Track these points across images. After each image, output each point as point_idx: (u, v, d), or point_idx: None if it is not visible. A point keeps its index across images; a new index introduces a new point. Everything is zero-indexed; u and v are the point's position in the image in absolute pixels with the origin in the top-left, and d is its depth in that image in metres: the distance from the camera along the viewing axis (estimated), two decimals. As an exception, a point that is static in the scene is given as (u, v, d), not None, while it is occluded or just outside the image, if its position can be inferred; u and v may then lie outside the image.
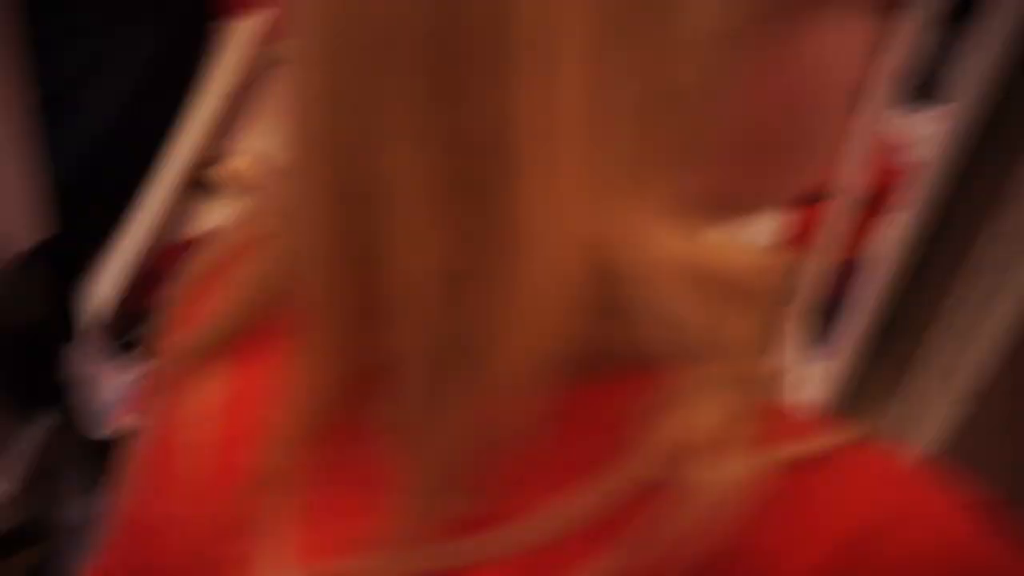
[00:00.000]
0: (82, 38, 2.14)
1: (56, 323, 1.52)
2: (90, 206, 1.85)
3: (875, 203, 1.07)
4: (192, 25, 2.58)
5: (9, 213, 1.47)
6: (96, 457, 1.45)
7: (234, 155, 2.44)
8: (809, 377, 1.08)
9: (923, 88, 1.26)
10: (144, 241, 1.95)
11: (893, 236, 0.99)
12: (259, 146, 2.56)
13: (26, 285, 1.42)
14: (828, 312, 1.09)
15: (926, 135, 1.17)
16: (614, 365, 0.36)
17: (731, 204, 0.39)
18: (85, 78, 2.12)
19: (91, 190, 1.87)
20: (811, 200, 0.72)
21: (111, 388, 1.41)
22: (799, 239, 1.15)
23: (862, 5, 0.37)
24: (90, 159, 1.92)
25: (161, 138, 2.25)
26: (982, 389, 0.90)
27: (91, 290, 1.57)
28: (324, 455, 0.42)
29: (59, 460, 1.58)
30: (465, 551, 0.36)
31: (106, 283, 1.75)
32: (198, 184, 2.35)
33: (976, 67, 0.86)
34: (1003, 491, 0.42)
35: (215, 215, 2.32)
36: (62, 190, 1.62)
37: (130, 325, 1.73)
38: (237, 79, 2.51)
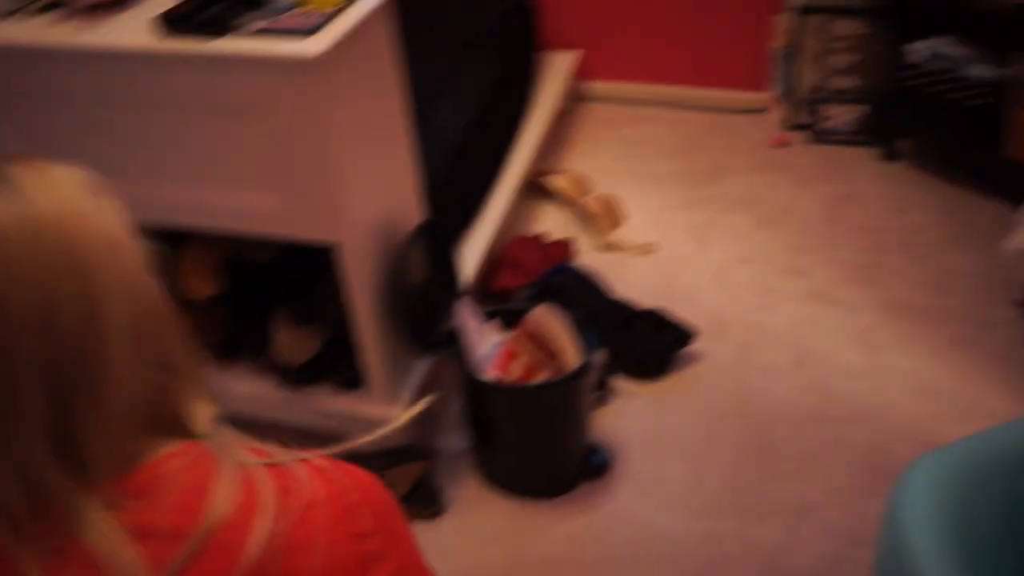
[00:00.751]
0: (441, 57, 2.44)
1: (441, 285, 1.87)
2: (452, 200, 2.16)
3: None
4: (525, 53, 2.91)
5: (403, 200, 1.82)
6: (470, 397, 1.84)
7: (556, 171, 2.81)
8: None
9: None
10: (493, 232, 2.30)
11: None
12: (572, 166, 2.91)
13: (417, 254, 1.78)
14: None
15: None
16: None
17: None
18: (443, 91, 2.41)
19: (452, 187, 2.18)
20: None
21: (480, 344, 1.80)
22: None
23: None
24: (451, 162, 2.21)
25: (502, 148, 2.56)
26: None
27: (458, 267, 1.94)
28: None
29: (442, 394, 1.99)
30: None
31: (467, 263, 2.15)
32: (532, 189, 2.73)
33: None
34: None
35: (546, 217, 2.70)
36: (431, 185, 1.95)
37: (483, 300, 2.10)
38: (557, 104, 2.87)
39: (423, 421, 2.01)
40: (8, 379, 0.66)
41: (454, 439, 2.01)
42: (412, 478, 1.82)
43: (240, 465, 0.73)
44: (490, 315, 1.86)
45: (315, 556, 0.71)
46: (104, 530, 0.68)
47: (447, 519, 1.84)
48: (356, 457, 1.84)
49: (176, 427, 0.75)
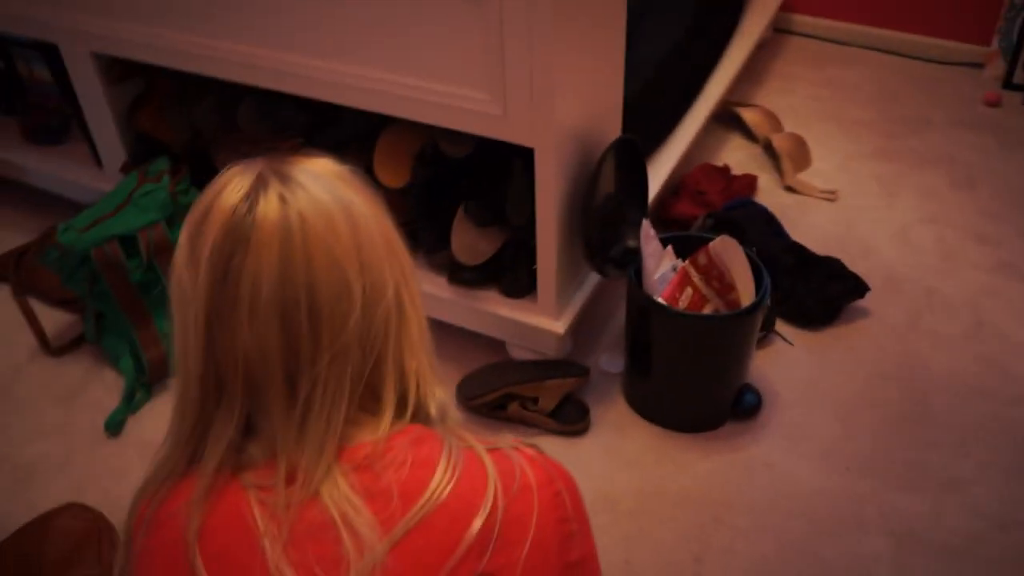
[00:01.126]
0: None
1: (628, 203, 1.88)
2: (646, 120, 2.14)
3: None
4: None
5: (605, 113, 1.81)
6: (637, 320, 1.87)
7: (748, 104, 2.73)
8: None
9: None
10: (678, 157, 2.28)
11: None
12: (765, 100, 2.82)
13: (609, 168, 1.76)
14: None
15: None
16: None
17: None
18: (649, 12, 2.39)
19: (648, 107, 2.16)
20: None
21: (655, 268, 1.81)
22: None
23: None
24: (650, 82, 2.19)
25: (700, 74, 2.51)
26: None
27: (648, 187, 1.93)
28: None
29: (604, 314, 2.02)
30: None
31: (650, 186, 2.15)
32: (722, 119, 2.68)
33: None
34: None
35: (732, 149, 2.64)
36: (629, 103, 1.93)
37: (657, 225, 2.08)
38: (761, 34, 2.78)
39: (582, 338, 2.06)
40: (343, 352, 0.77)
41: (610, 360, 2.05)
42: (562, 393, 1.87)
43: (465, 446, 0.81)
44: (664, 241, 1.87)
45: (526, 532, 0.77)
46: (343, 490, 0.76)
47: (589, 439, 1.89)
48: (510, 366, 1.90)
49: (408, 409, 0.83)
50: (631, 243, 1.87)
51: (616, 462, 1.84)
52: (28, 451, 1.90)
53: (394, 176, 1.84)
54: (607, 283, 2.01)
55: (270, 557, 0.73)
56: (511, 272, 1.86)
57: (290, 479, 0.76)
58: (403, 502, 0.75)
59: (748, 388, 1.92)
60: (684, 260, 1.87)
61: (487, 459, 0.79)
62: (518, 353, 1.95)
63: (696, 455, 1.85)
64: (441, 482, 0.76)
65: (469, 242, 1.82)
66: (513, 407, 1.87)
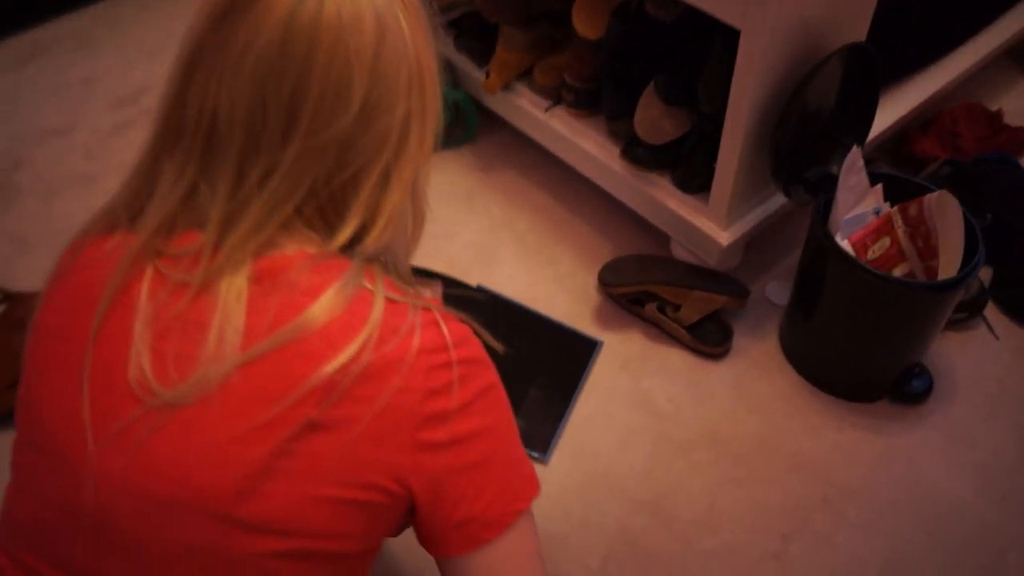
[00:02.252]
0: None
1: (843, 123, 1.62)
2: (904, 33, 1.83)
3: None
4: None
5: (845, 11, 1.53)
6: (812, 259, 1.62)
7: None
8: None
9: None
10: (938, 88, 1.93)
11: None
12: None
13: (832, 76, 1.51)
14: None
15: None
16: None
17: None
18: None
19: (911, 20, 1.86)
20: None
21: (851, 206, 1.55)
22: None
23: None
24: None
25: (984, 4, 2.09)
26: None
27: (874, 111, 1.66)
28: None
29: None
30: None
31: (888, 111, 1.84)
32: (1012, 58, 2.25)
33: None
34: None
35: (1011, 96, 2.22)
36: (885, 9, 1.64)
37: (886, 159, 1.78)
38: None
39: (755, 258, 1.84)
40: (317, 151, 0.73)
41: (778, 290, 1.82)
42: (708, 309, 1.68)
43: (361, 287, 0.74)
44: (875, 178, 1.59)
45: (380, 394, 0.71)
46: (237, 289, 0.72)
47: (723, 367, 1.70)
48: (663, 263, 1.70)
49: (350, 238, 0.77)
50: (832, 168, 1.60)
51: (743, 401, 1.65)
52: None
53: (589, 25, 1.64)
54: (800, 207, 1.75)
55: (136, 337, 0.72)
56: (689, 163, 1.65)
57: (197, 258, 0.73)
58: (273, 324, 0.71)
59: (920, 370, 1.65)
60: (893, 206, 1.59)
61: (378, 306, 0.73)
62: (680, 252, 1.76)
63: (833, 423, 1.63)
64: (314, 314, 0.71)
65: (653, 117, 1.62)
66: (650, 307, 1.70)
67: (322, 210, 0.75)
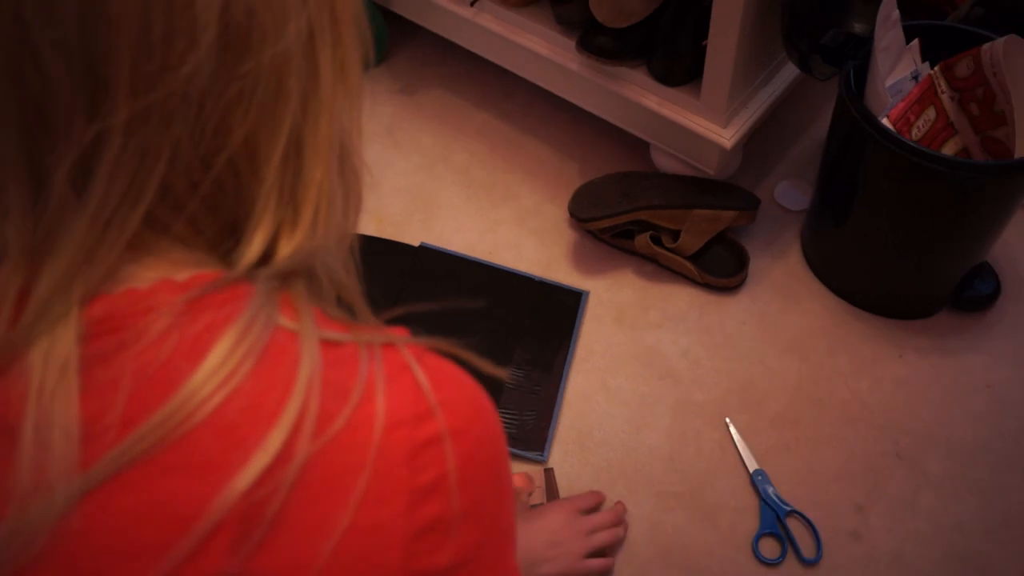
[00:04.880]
0: None
1: None
2: None
3: None
4: None
5: None
6: (842, 144, 1.26)
7: None
8: None
9: None
10: None
11: None
12: None
13: None
14: None
15: None
16: None
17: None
18: None
19: None
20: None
21: (889, 71, 1.19)
22: None
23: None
24: None
25: None
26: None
27: None
28: None
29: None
30: None
31: None
32: None
33: None
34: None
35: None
36: None
37: (904, 8, 1.40)
38: None
39: (753, 156, 1.47)
40: (160, 110, 0.41)
41: (790, 193, 1.46)
42: (713, 230, 1.33)
43: (275, 327, 0.43)
44: (908, 33, 1.23)
45: (338, 512, 0.41)
46: (63, 356, 0.40)
47: (741, 301, 1.35)
48: (649, 181, 1.32)
49: (220, 243, 0.47)
50: (856, 26, 1.24)
51: (772, 342, 1.30)
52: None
53: None
54: (803, 83, 1.38)
55: None
56: (669, 46, 1.26)
57: None
58: (129, 414, 0.40)
59: (984, 270, 1.31)
60: (934, 67, 1.24)
61: (309, 356, 0.42)
62: (665, 163, 1.39)
63: (889, 352, 1.29)
64: (199, 386, 0.40)
65: (615, -8, 1.23)
66: (641, 240, 1.33)
67: (196, 218, 0.44)
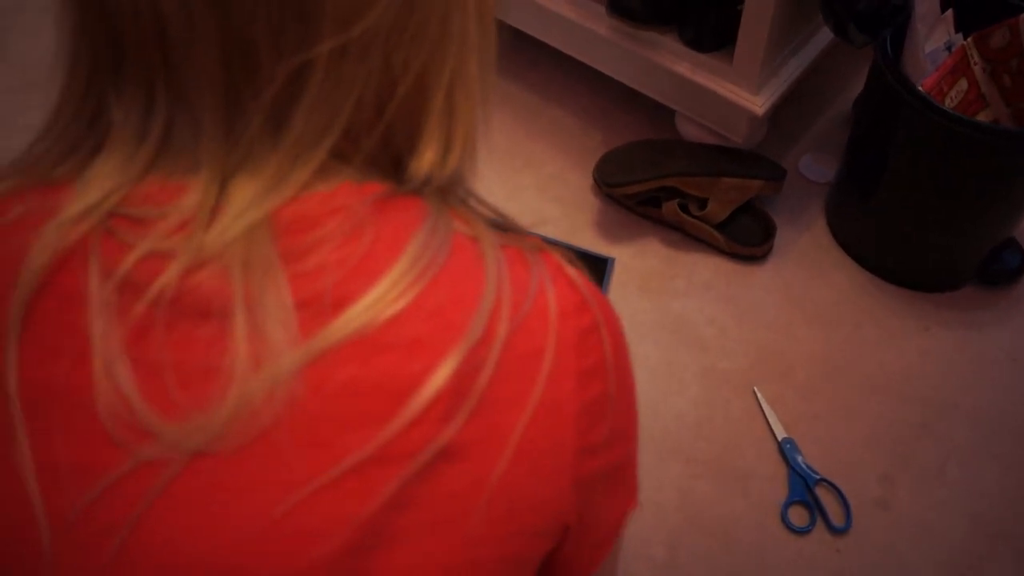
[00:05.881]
0: None
1: None
2: None
3: None
4: None
5: None
6: (876, 112, 1.25)
7: None
8: None
9: None
10: None
11: None
12: None
13: None
14: None
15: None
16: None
17: None
18: None
19: None
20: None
21: (926, 37, 1.19)
22: None
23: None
24: None
25: None
26: None
27: None
28: None
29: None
30: None
31: None
32: None
33: None
34: None
35: None
36: None
37: None
38: None
39: (779, 128, 1.46)
40: (359, 49, 0.43)
41: (815, 164, 1.45)
42: (740, 199, 1.32)
43: (453, 232, 0.47)
44: (943, 3, 1.22)
45: (530, 387, 0.45)
46: (266, 255, 0.42)
47: (767, 271, 1.34)
48: (676, 148, 1.31)
49: (385, 160, 0.48)
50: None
51: (800, 311, 1.30)
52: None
53: None
54: (824, 57, 1.37)
55: (97, 344, 0.41)
56: (701, 11, 1.25)
57: (185, 222, 0.43)
58: (339, 294, 0.42)
59: (1011, 245, 1.31)
60: (966, 38, 1.23)
61: (492, 255, 0.47)
62: (691, 132, 1.38)
63: (915, 324, 1.29)
64: (404, 276, 0.43)
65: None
66: (669, 207, 1.32)
67: (372, 153, 0.47)
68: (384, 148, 0.47)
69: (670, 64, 1.30)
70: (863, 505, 1.13)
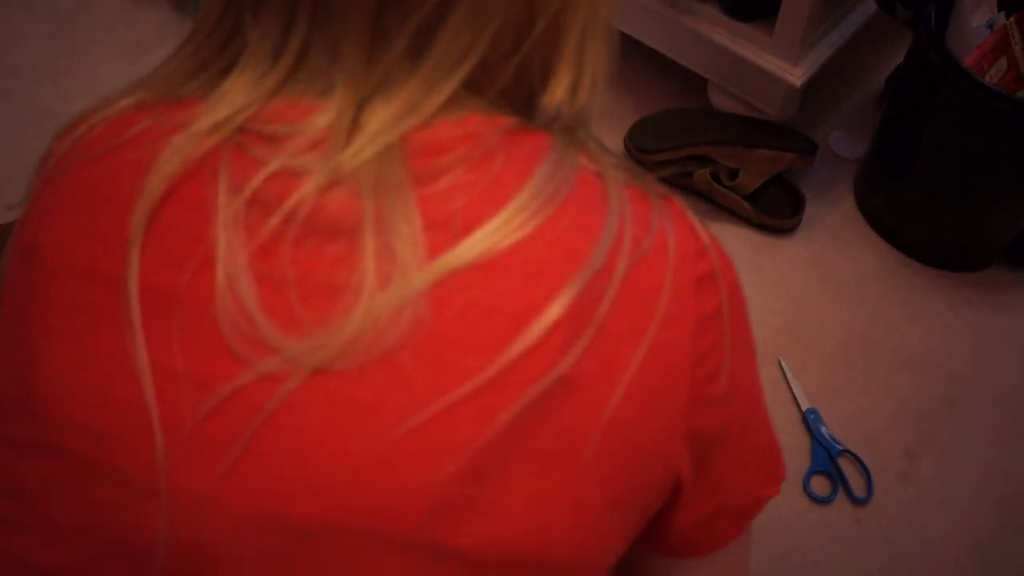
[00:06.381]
0: None
1: None
2: None
3: None
4: None
5: None
6: (917, 85, 1.25)
7: None
8: None
9: None
10: None
11: None
12: None
13: None
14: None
15: None
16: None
17: None
18: None
19: None
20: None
21: (971, 13, 1.18)
22: None
23: None
24: None
25: None
26: None
27: None
28: None
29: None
30: None
31: None
32: None
33: None
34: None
35: None
36: None
37: None
38: None
39: (811, 103, 1.46)
40: None
41: (846, 140, 1.45)
42: (771, 171, 1.32)
43: (586, 167, 0.47)
44: None
45: (647, 322, 0.44)
46: (397, 176, 0.43)
47: (796, 243, 1.35)
48: (710, 118, 1.31)
49: (516, 95, 0.48)
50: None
51: (827, 285, 1.30)
52: (75, 109, 1.47)
53: None
54: (864, 29, 1.37)
55: (221, 256, 0.42)
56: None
57: (319, 141, 0.43)
58: (467, 216, 0.42)
59: (1038, 225, 1.32)
60: (1009, 16, 1.23)
61: (616, 189, 0.46)
62: (723, 102, 1.38)
63: (941, 302, 1.29)
64: (530, 203, 0.43)
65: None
66: (700, 176, 1.32)
67: (506, 88, 0.47)
68: (516, 83, 0.47)
69: (707, 32, 1.30)
70: (885, 478, 1.14)
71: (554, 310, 0.41)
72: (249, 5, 0.45)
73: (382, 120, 0.43)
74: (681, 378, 0.45)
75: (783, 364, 1.22)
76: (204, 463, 0.41)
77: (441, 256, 0.41)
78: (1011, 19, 1.22)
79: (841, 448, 1.15)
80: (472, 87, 0.46)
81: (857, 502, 1.12)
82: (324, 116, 0.43)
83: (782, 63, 1.26)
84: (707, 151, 1.30)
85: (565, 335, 0.42)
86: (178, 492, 0.41)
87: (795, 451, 1.15)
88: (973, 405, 1.20)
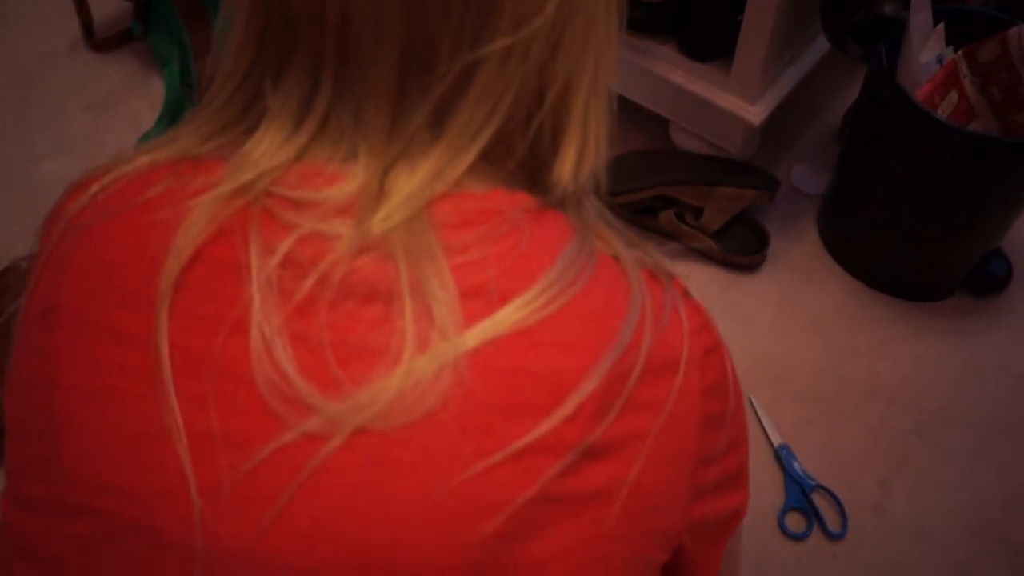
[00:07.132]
0: None
1: None
2: None
3: None
4: None
5: None
6: (872, 120, 1.27)
7: None
8: None
9: None
10: None
11: None
12: None
13: None
14: None
15: None
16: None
17: None
18: None
19: None
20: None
21: (919, 49, 1.21)
22: None
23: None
24: None
25: None
26: None
27: None
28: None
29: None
30: None
31: None
32: None
33: None
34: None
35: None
36: None
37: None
38: None
39: (770, 140, 1.48)
40: (522, 48, 0.45)
41: (807, 176, 1.47)
42: (735, 208, 1.33)
43: (603, 248, 0.50)
44: (934, 16, 1.24)
45: (666, 393, 0.47)
46: (428, 243, 0.44)
47: (761, 280, 1.36)
48: (673, 158, 1.32)
49: (530, 165, 0.51)
50: (885, 8, 1.25)
51: (793, 320, 1.31)
52: (45, 167, 1.47)
53: None
54: (820, 65, 1.39)
55: (256, 317, 0.42)
56: (702, 20, 1.27)
57: (346, 207, 0.45)
58: (501, 288, 0.44)
59: (998, 254, 1.33)
60: (957, 51, 1.25)
61: (633, 272, 0.49)
62: (685, 141, 1.39)
63: (907, 332, 1.31)
64: (560, 279, 0.45)
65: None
66: (666, 216, 1.33)
67: (523, 157, 0.49)
68: (532, 152, 0.49)
69: (665, 73, 1.32)
70: (859, 511, 1.14)
71: (592, 381, 0.44)
72: (270, 72, 0.46)
73: (409, 187, 0.45)
74: (689, 443, 0.49)
75: (753, 401, 1.22)
76: (244, 521, 0.41)
77: (479, 323, 0.43)
78: (959, 53, 1.24)
79: (814, 484, 1.15)
80: (490, 158, 0.47)
81: (832, 537, 1.12)
82: (351, 183, 0.45)
83: (741, 102, 1.27)
84: (671, 191, 1.32)
85: (598, 405, 0.44)
86: (216, 549, 0.41)
87: (769, 488, 1.15)
88: (943, 433, 1.21)
